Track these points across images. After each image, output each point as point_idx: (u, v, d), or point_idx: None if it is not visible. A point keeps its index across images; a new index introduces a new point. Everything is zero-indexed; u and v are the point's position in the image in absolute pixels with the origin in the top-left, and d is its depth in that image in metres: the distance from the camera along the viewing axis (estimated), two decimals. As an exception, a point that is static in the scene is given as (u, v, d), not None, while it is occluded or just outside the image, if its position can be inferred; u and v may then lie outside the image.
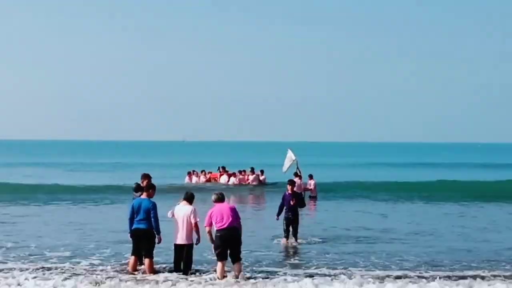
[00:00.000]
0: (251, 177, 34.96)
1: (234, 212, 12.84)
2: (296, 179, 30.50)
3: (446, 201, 29.55)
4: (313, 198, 30.97)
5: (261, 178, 35.56)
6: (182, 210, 13.01)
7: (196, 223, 12.91)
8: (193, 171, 36.71)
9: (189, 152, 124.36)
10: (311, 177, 31.73)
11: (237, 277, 12.65)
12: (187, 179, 36.28)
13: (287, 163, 33.33)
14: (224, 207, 12.87)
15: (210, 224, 12.81)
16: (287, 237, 17.20)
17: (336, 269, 13.98)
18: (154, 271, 13.11)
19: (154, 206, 13.03)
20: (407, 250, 16.52)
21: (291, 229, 17.25)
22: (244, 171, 35.72)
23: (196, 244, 13.06)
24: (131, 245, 13.38)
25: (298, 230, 17.38)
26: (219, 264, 12.76)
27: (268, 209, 25.25)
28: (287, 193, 17.29)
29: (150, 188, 13.37)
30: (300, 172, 31.29)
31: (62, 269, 13.72)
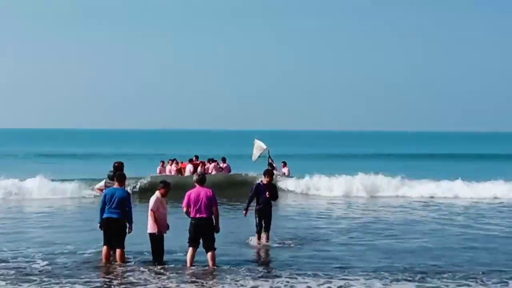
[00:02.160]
0: (210, 166, 33.39)
1: (210, 200, 12.66)
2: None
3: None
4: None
5: (222, 166, 33.82)
6: (151, 199, 13.00)
7: (152, 211, 12.82)
8: (175, 160, 35.38)
9: (168, 141, 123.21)
10: (284, 164, 31.16)
11: (211, 265, 12.76)
12: (159, 168, 34.96)
13: (256, 152, 32.34)
14: (202, 192, 12.71)
15: (187, 206, 12.75)
16: (259, 232, 15.54)
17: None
18: (124, 261, 13.04)
19: (129, 196, 13.02)
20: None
21: (263, 224, 15.58)
22: (211, 160, 34.25)
23: (164, 233, 12.98)
24: None
25: (271, 226, 15.72)
26: (190, 249, 12.86)
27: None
28: (261, 184, 15.60)
29: (123, 178, 13.16)
30: (272, 161, 30.74)
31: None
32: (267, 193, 15.34)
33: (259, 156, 32.33)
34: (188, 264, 12.84)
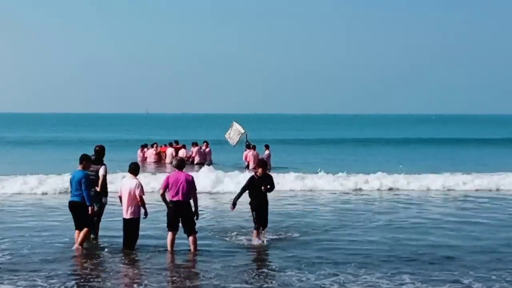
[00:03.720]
0: (194, 150, 33.51)
1: (189, 184, 12.59)
2: (252, 151, 29.86)
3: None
4: (268, 169, 29.97)
5: (205, 150, 33.93)
6: (127, 183, 12.83)
7: (141, 197, 12.75)
8: (155, 144, 35.46)
9: (152, 125, 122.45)
10: (267, 147, 31.16)
11: (193, 250, 12.72)
12: (139, 153, 35.08)
13: (235, 136, 32.46)
14: (181, 177, 12.63)
15: (165, 188, 12.71)
16: (258, 228, 14.03)
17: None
18: (85, 240, 12.98)
19: (84, 176, 12.79)
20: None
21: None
22: (194, 144, 34.34)
23: (145, 217, 12.94)
24: None
25: (268, 220, 14.29)
26: (169, 234, 12.78)
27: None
28: (255, 177, 13.99)
29: (83, 160, 13.00)
30: (251, 144, 30.71)
31: None
32: (263, 187, 13.85)
33: (237, 141, 32.50)
34: (169, 249, 12.76)
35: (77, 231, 13.03)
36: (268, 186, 13.87)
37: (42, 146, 52.27)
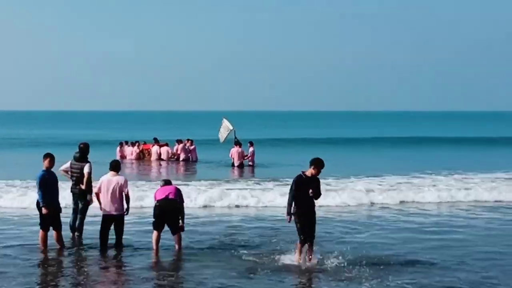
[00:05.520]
0: (179, 147, 33.56)
1: (178, 190, 12.84)
2: (237, 148, 29.97)
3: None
4: (251, 166, 30.43)
5: (190, 147, 33.96)
6: (114, 179, 12.91)
7: (127, 193, 12.97)
8: (137, 142, 35.31)
9: (136, 123, 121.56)
10: (251, 144, 31.10)
11: (177, 248, 12.75)
12: (118, 150, 34.82)
13: (224, 133, 32.63)
14: (169, 188, 12.89)
15: (154, 199, 12.97)
16: (303, 242, 11.58)
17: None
18: (61, 243, 12.92)
19: (38, 177, 12.61)
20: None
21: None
22: (179, 141, 34.37)
23: (126, 214, 13.10)
24: None
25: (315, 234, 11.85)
26: (154, 233, 12.76)
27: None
28: (303, 176, 11.60)
29: (45, 158, 12.79)
30: (238, 141, 30.72)
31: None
32: (310, 190, 11.48)
33: (226, 137, 32.64)
34: (154, 247, 12.75)
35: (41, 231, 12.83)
36: (315, 191, 11.51)
37: (17, 148, 47.81)
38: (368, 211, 18.56)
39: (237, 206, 18.96)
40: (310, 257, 11.57)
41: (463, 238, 14.41)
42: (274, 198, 19.38)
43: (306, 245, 11.59)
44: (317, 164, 11.53)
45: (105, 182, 12.93)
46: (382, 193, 20.53)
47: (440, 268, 11.58)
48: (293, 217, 11.52)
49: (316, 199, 11.62)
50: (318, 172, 11.56)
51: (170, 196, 12.62)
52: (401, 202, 19.92)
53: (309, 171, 11.56)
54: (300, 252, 11.61)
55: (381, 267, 11.42)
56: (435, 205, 19.73)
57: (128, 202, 13.04)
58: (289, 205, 11.47)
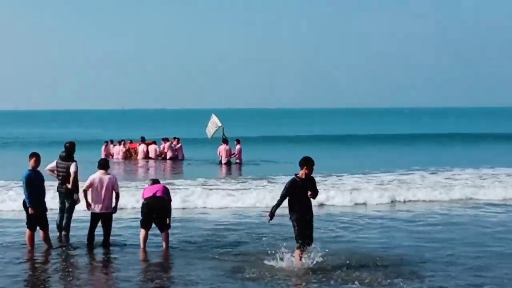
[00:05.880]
0: (165, 145, 33.56)
1: (165, 189, 12.96)
2: (224, 145, 30.01)
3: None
4: (238, 164, 30.48)
5: (176, 146, 33.89)
6: (105, 178, 13.04)
7: (118, 192, 13.20)
8: (123, 141, 35.18)
9: (129, 122, 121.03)
10: (238, 141, 31.08)
11: (165, 246, 12.82)
12: (103, 149, 34.64)
13: (211, 129, 32.68)
14: (157, 186, 13.02)
15: (142, 197, 13.08)
16: (302, 247, 11.21)
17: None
18: (48, 243, 12.91)
19: (24, 176, 12.59)
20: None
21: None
22: (165, 139, 34.39)
23: (114, 212, 13.23)
24: None
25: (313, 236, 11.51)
26: (142, 231, 12.83)
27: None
28: (297, 179, 11.23)
29: (31, 157, 12.78)
30: (226, 138, 30.78)
31: None
32: (309, 192, 11.12)
33: (214, 133, 32.70)
34: (141, 246, 12.81)
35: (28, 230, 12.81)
36: (313, 193, 11.16)
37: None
38: (358, 209, 18.51)
39: (224, 205, 18.86)
40: (301, 256, 11.25)
41: (454, 236, 14.31)
42: (263, 196, 19.29)
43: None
44: (307, 163, 11.16)
45: (97, 180, 13.00)
46: (374, 192, 20.32)
47: (431, 267, 11.50)
48: (291, 223, 11.22)
49: (315, 198, 11.28)
50: (311, 171, 11.17)
51: (158, 194, 12.68)
52: (392, 201, 19.73)
53: (302, 173, 11.17)
54: (300, 258, 11.20)
55: (374, 266, 11.39)
56: (428, 203, 19.60)
57: (117, 201, 13.22)
58: (275, 206, 11.12)
